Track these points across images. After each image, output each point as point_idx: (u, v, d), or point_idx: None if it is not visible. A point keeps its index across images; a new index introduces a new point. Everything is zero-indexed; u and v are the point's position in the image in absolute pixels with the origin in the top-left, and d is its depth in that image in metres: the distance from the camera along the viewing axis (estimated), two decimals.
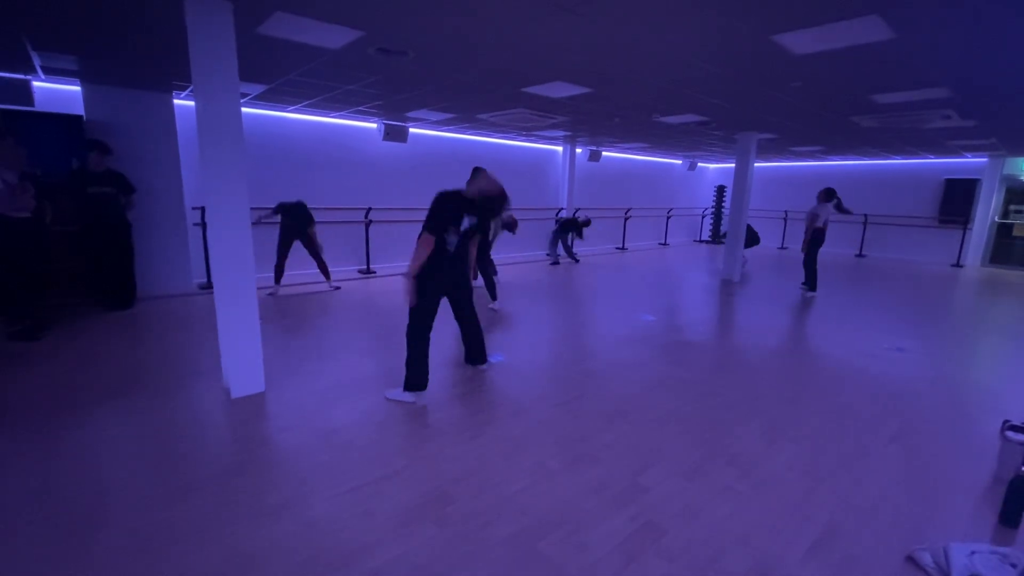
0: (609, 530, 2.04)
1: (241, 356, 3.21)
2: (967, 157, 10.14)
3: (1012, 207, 10.47)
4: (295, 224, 6.07)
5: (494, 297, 5.72)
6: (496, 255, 6.63)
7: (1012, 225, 10.46)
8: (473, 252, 3.40)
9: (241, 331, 3.19)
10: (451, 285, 3.30)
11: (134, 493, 2.21)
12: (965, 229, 10.60)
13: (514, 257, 9.91)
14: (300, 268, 7.07)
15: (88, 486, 2.25)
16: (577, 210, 9.64)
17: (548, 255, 10.09)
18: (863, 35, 3.10)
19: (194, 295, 6.08)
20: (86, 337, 4.36)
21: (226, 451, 2.59)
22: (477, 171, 3.37)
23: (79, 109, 5.31)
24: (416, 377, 3.17)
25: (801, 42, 3.27)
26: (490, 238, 4.78)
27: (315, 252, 6.30)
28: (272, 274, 6.20)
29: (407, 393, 3.18)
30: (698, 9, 2.81)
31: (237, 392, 3.21)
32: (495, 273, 6.81)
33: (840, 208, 7.07)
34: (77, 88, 5.31)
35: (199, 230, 6.20)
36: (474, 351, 3.69)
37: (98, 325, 4.73)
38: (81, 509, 2.09)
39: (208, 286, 6.21)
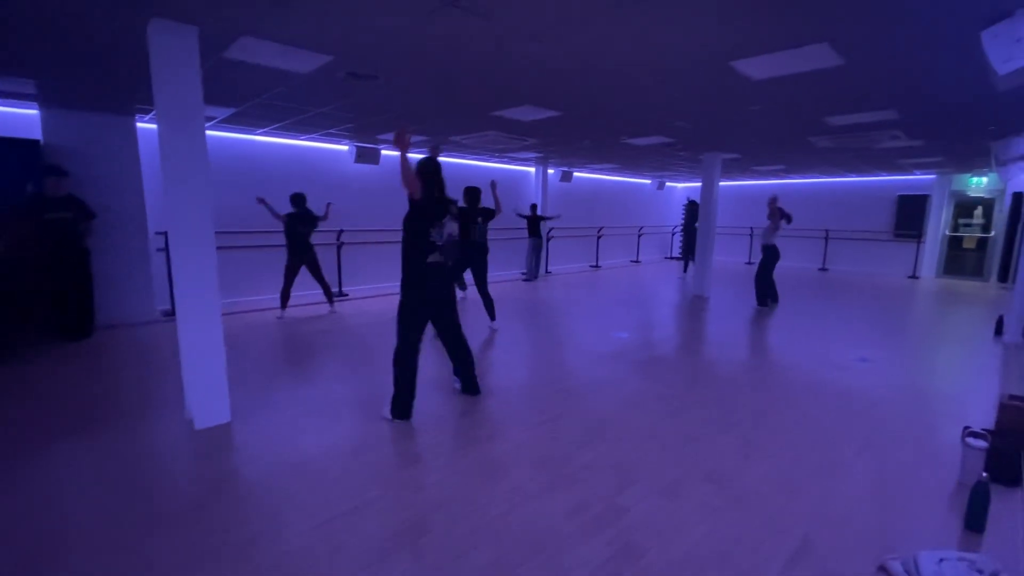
0: (588, 554, 2.01)
1: (205, 385, 3.09)
2: (917, 175, 10.71)
3: (961, 221, 11.07)
4: (301, 239, 6.03)
5: (492, 317, 5.75)
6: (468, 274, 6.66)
7: (962, 238, 11.04)
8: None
9: (205, 359, 3.08)
10: (437, 300, 3.28)
11: (92, 534, 2.07)
12: (919, 242, 11.13)
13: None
14: (266, 293, 6.93)
15: (43, 527, 2.10)
16: (533, 205, 9.86)
17: (524, 274, 10.15)
18: (814, 62, 3.27)
19: (157, 322, 5.86)
20: (41, 369, 4.13)
21: (189, 487, 2.47)
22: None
23: (36, 133, 5.13)
24: (401, 406, 3.18)
25: (758, 68, 3.42)
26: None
27: (319, 274, 6.31)
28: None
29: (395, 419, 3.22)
30: (659, 37, 2.92)
31: (201, 423, 3.08)
32: (464, 288, 6.83)
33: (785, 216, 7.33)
34: (35, 112, 5.15)
35: (163, 254, 6.01)
36: (469, 379, 3.62)
37: (55, 356, 4.50)
38: (36, 551, 1.95)
39: (172, 313, 6.00)
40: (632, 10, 2.56)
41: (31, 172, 5.00)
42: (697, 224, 8.87)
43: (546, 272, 11.05)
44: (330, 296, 6.53)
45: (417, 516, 2.23)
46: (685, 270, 11.29)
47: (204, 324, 3.06)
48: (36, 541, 2.04)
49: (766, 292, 7.37)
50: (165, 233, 5.67)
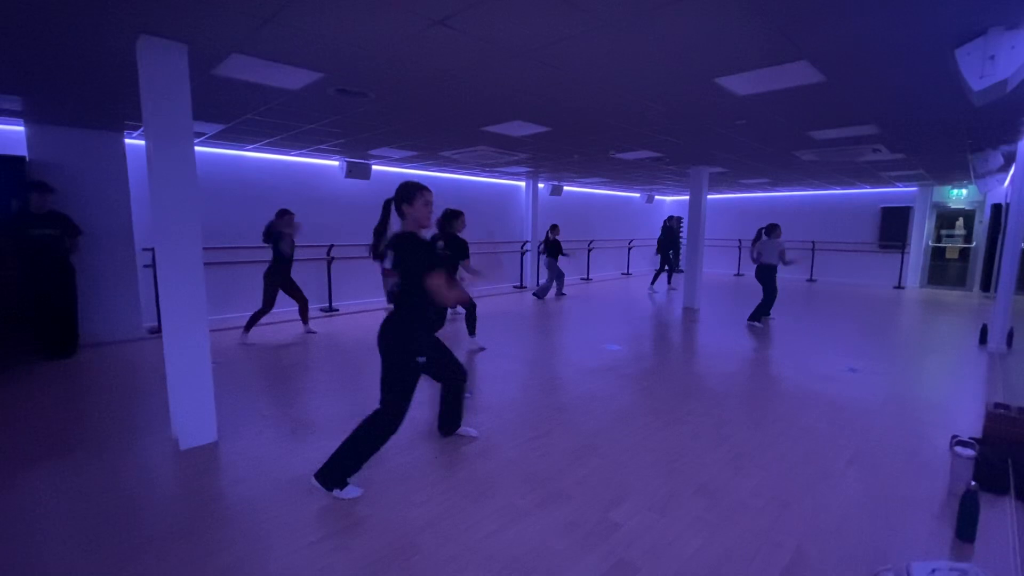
0: (581, 571, 1.98)
1: (191, 404, 3.04)
2: (899, 187, 10.93)
3: (943, 232, 11.29)
4: (283, 260, 5.62)
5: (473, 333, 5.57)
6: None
7: (944, 248, 11.25)
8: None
9: (192, 377, 3.03)
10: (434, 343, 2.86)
11: (71, 561, 2.01)
12: (903, 253, 11.32)
13: (481, 289, 9.90)
14: (254, 309, 6.86)
15: (23, 552, 2.04)
16: (553, 226, 9.65)
17: (555, 289, 9.85)
18: (796, 78, 3.34)
19: (143, 340, 5.77)
20: (24, 389, 4.05)
21: (173, 509, 2.41)
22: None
23: (21, 150, 5.09)
24: (353, 469, 2.54)
25: (742, 84, 3.49)
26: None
27: (298, 292, 5.91)
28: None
29: (351, 488, 2.52)
30: (645, 55, 2.97)
31: (187, 443, 3.02)
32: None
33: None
34: (20, 128, 5.11)
35: (150, 271, 5.94)
36: (452, 416, 3.19)
37: (38, 375, 4.41)
38: None
39: (159, 330, 5.91)
40: (618, 29, 2.61)
41: (16, 188, 4.95)
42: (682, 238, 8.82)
43: (537, 285, 11.07)
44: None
45: (407, 536, 2.20)
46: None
47: (191, 341, 3.02)
48: (15, 567, 1.97)
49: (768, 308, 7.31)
50: (152, 249, 5.66)
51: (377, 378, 2.58)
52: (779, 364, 5.08)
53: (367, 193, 8.37)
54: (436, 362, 2.84)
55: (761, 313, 7.13)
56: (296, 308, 6.18)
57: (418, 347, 2.53)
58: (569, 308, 8.45)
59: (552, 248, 9.38)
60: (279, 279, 5.68)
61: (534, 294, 9.72)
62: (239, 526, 2.27)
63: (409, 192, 2.52)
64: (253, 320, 5.72)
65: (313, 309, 7.65)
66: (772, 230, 7.14)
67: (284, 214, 5.58)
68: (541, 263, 10.05)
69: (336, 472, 2.48)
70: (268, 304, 5.67)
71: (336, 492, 2.48)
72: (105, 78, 3.54)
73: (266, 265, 5.70)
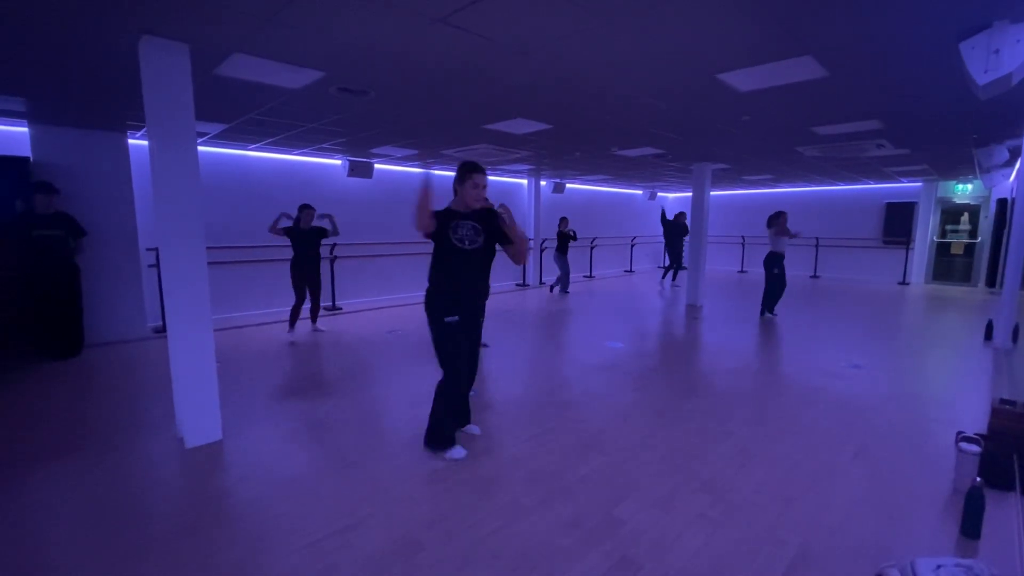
0: (585, 568, 1.98)
1: (196, 403, 3.06)
2: (903, 182, 10.87)
3: (948, 227, 11.21)
4: (308, 252, 5.71)
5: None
6: None
7: (950, 244, 11.18)
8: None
9: (196, 376, 3.04)
10: (467, 310, 2.89)
11: (75, 560, 2.03)
12: (908, 249, 11.26)
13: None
14: (258, 308, 6.89)
15: (27, 552, 2.06)
16: (562, 219, 9.62)
17: (560, 285, 9.83)
18: (799, 74, 3.33)
19: (148, 339, 5.80)
20: (29, 388, 4.07)
21: (177, 507, 2.43)
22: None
23: (26, 150, 5.11)
24: (441, 436, 2.88)
25: (744, 80, 3.48)
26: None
27: (316, 291, 5.93)
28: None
29: (446, 451, 2.87)
30: (647, 51, 2.96)
31: (192, 442, 3.04)
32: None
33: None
34: (24, 129, 5.13)
35: (155, 271, 5.97)
36: (456, 413, 3.13)
37: (43, 375, 4.44)
38: None
39: (163, 329, 5.94)
40: (620, 26, 2.60)
41: (21, 189, 4.98)
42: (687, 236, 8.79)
43: (540, 283, 11.07)
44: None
45: (411, 533, 2.20)
46: (673, 279, 11.25)
47: (195, 341, 3.04)
48: (22, 565, 1.99)
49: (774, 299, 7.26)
50: (156, 249, 5.69)
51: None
52: (782, 361, 5.06)
53: (370, 192, 8.38)
54: (465, 328, 2.89)
55: (770, 303, 7.15)
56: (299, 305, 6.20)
57: (443, 311, 2.76)
58: (572, 305, 8.44)
59: (561, 241, 9.38)
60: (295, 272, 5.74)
61: (560, 289, 9.75)
62: (243, 524, 2.28)
63: (460, 172, 2.76)
64: (295, 315, 5.82)
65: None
66: (777, 217, 7.07)
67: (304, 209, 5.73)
68: (548, 258, 10.03)
69: (434, 437, 2.88)
70: (300, 297, 5.79)
71: (444, 454, 2.86)
72: (108, 79, 3.55)
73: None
